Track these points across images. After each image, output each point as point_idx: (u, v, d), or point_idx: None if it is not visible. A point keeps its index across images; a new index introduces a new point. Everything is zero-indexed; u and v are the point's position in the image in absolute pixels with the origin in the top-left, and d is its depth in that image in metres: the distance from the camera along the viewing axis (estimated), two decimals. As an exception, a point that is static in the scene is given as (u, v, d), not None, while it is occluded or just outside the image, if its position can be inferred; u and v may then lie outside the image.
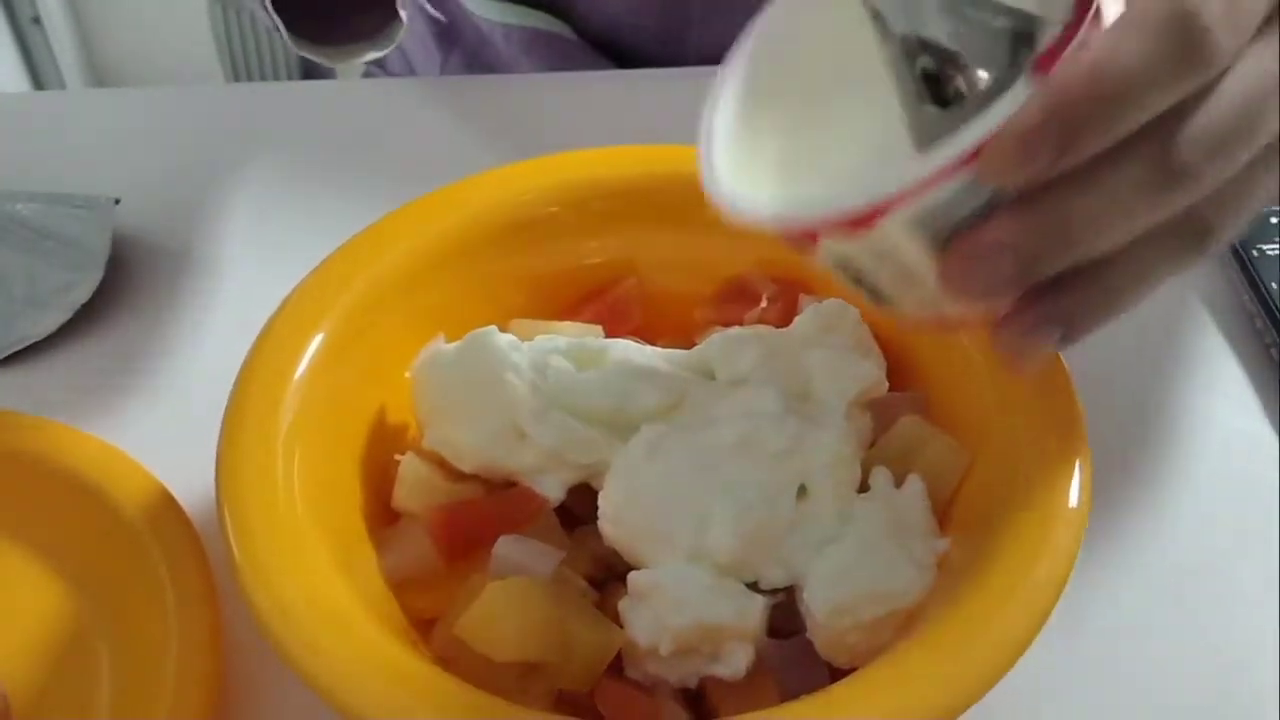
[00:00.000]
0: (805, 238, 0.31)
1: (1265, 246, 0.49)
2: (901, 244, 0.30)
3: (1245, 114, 0.29)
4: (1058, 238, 0.29)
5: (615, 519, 0.35)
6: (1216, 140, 0.28)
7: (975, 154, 0.28)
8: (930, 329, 0.35)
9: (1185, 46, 0.27)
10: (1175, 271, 0.31)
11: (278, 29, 0.48)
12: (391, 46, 0.51)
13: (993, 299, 0.30)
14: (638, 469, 0.35)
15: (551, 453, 0.36)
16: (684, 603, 0.33)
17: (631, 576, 0.34)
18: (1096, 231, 0.29)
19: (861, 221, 0.29)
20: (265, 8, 0.48)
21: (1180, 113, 0.28)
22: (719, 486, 0.35)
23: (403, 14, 0.50)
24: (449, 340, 0.39)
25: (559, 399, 0.37)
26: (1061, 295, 0.30)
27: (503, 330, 0.40)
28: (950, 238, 0.30)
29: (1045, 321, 0.30)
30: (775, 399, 0.37)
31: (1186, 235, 0.30)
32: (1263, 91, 0.29)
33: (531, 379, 0.37)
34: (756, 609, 0.34)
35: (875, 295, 0.33)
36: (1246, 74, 0.29)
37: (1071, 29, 0.28)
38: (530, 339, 0.39)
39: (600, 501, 0.36)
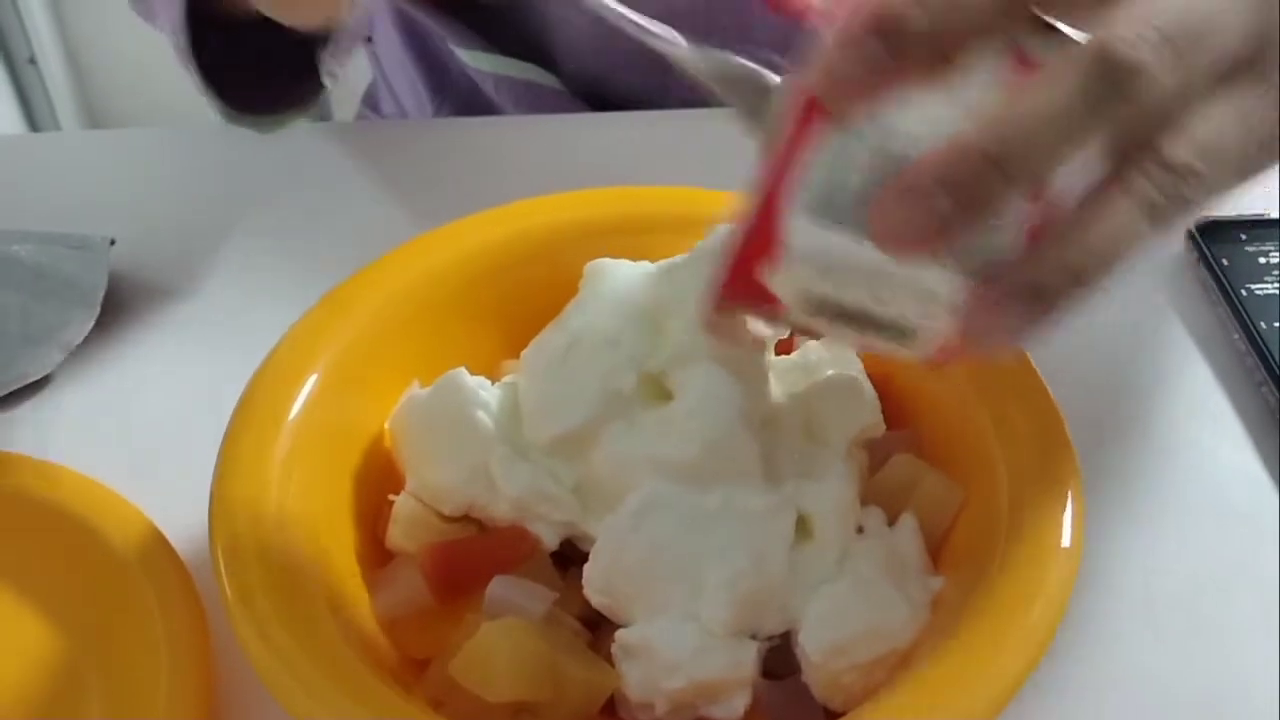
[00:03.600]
0: (755, 293, 0.30)
1: (1255, 286, 0.49)
2: (828, 243, 0.28)
3: (1189, 13, 0.27)
4: (986, 157, 0.26)
5: (604, 589, 0.35)
6: (1160, 39, 0.26)
7: (817, 103, 0.27)
8: (937, 352, 0.31)
9: (1109, 84, 0.26)
10: (1150, 227, 0.28)
11: (214, 104, 0.50)
12: (314, 111, 0.52)
13: (937, 242, 0.27)
14: (625, 540, 0.34)
15: (520, 504, 0.36)
16: (677, 665, 0.33)
17: (620, 634, 0.34)
18: (1030, 142, 0.26)
19: (763, 234, 0.28)
20: (199, 81, 0.49)
21: (1104, 25, 0.26)
22: (709, 554, 0.34)
23: (327, 81, 0.51)
24: (427, 384, 0.39)
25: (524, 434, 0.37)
26: (1024, 264, 0.28)
27: (499, 370, 0.41)
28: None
29: (1012, 292, 0.28)
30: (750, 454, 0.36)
31: (1155, 180, 0.27)
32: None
33: (499, 418, 0.37)
34: (751, 656, 0.33)
35: (876, 327, 0.31)
36: None
37: None
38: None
39: (586, 571, 0.35)
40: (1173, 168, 0.27)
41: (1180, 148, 0.27)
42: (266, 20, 0.50)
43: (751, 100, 0.32)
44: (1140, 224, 0.28)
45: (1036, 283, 0.28)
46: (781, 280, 0.29)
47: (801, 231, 0.28)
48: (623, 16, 0.35)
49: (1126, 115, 0.27)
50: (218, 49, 0.50)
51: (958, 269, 0.28)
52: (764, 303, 0.30)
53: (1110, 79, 0.26)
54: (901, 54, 0.26)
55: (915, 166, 0.27)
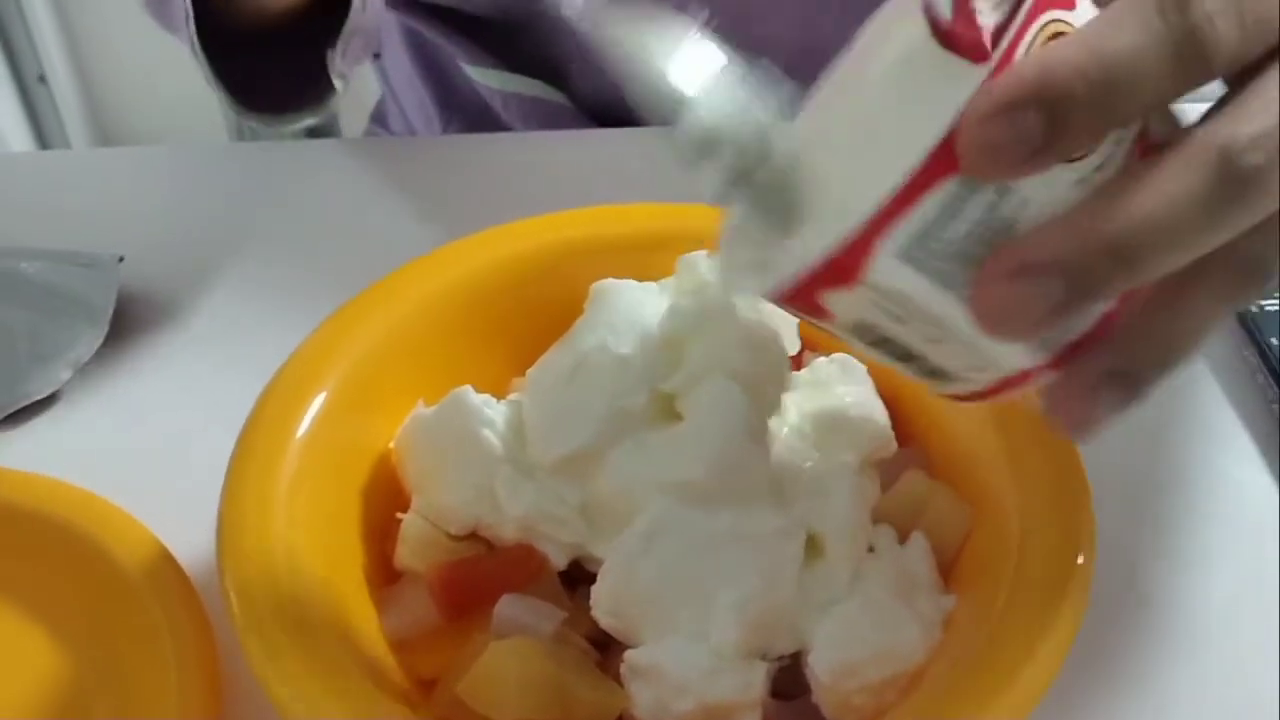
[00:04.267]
0: (809, 307, 0.28)
1: (1265, 303, 0.49)
2: (908, 287, 0.27)
3: None
4: (1109, 250, 0.25)
5: (612, 611, 0.34)
6: (1275, 142, 0.26)
7: (951, 153, 0.25)
8: (987, 396, 0.31)
9: (1183, 29, 0.25)
10: (1231, 310, 0.28)
11: (224, 99, 0.50)
12: (327, 112, 0.52)
13: (1039, 330, 0.27)
14: (633, 562, 0.34)
15: (525, 525, 0.36)
16: (686, 687, 0.32)
17: (628, 655, 0.34)
18: (1154, 244, 0.25)
19: (846, 266, 0.26)
20: (209, 78, 0.49)
21: (1232, 113, 0.26)
22: (718, 576, 0.34)
23: (338, 83, 0.51)
24: (434, 403, 0.39)
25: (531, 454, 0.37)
26: (1118, 345, 0.27)
27: (507, 388, 0.41)
28: (966, 277, 0.27)
29: (1106, 376, 0.27)
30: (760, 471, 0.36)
31: (1243, 265, 0.27)
32: None
33: (505, 436, 0.37)
34: (760, 678, 0.33)
35: (916, 363, 0.30)
36: None
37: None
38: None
39: (594, 593, 0.35)
40: (1248, 263, 0.27)
41: (1260, 244, 0.27)
42: (277, 23, 0.50)
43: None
44: (1220, 311, 0.28)
45: (1126, 370, 0.28)
46: (844, 302, 0.28)
47: (890, 271, 0.27)
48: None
49: (1238, 222, 0.26)
50: (230, 48, 0.51)
51: (1037, 345, 0.28)
52: (810, 314, 0.29)
53: (1231, 184, 0.26)
54: (1058, 138, 0.25)
55: (1031, 245, 0.26)
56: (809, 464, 0.37)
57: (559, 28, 0.64)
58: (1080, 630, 0.32)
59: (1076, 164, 0.27)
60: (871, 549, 0.36)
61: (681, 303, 0.38)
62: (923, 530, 0.36)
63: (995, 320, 0.26)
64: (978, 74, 0.25)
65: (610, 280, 0.39)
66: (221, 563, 0.34)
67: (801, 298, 0.28)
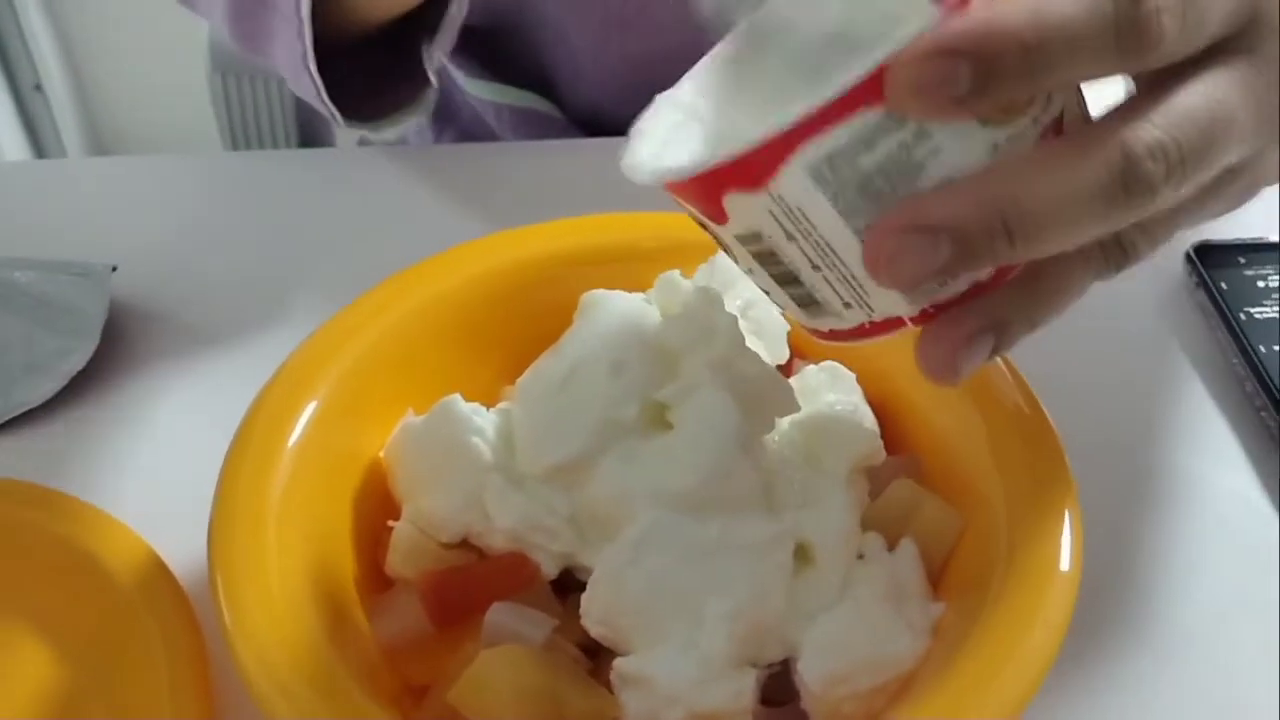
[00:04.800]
0: (709, 204, 0.29)
1: (1254, 310, 0.49)
2: (809, 204, 0.28)
3: (1208, 136, 0.28)
4: (1001, 224, 0.27)
5: (602, 620, 0.35)
6: (1177, 159, 0.27)
7: (878, 86, 0.26)
8: (849, 337, 0.33)
9: (1130, 18, 0.26)
10: (1089, 284, 0.31)
11: (333, 116, 0.51)
12: (428, 109, 0.54)
13: (919, 284, 0.28)
14: (623, 572, 0.34)
15: (514, 535, 0.36)
16: (676, 696, 0.32)
17: (618, 664, 0.34)
18: (1044, 227, 0.27)
19: (757, 166, 0.27)
20: (322, 99, 0.50)
21: (1140, 118, 0.27)
22: (708, 586, 0.34)
23: (433, 77, 0.52)
24: (424, 411, 0.39)
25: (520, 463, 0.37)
26: (993, 304, 0.29)
27: (498, 397, 0.41)
28: (866, 209, 0.28)
29: (980, 329, 0.29)
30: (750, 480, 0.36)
31: (1112, 253, 0.30)
32: (1225, 118, 0.28)
33: (495, 444, 0.37)
34: (750, 686, 0.33)
35: (791, 288, 0.31)
36: (1210, 94, 0.28)
37: None
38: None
39: (584, 602, 0.35)
40: (1128, 251, 0.30)
41: (1141, 239, 0.30)
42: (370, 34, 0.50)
43: None
44: (1089, 281, 0.31)
45: (999, 322, 0.30)
46: (744, 206, 0.29)
47: (796, 184, 0.28)
48: None
49: (1124, 218, 0.28)
50: (328, 63, 0.51)
51: (912, 296, 0.30)
52: (709, 213, 0.30)
53: (1128, 187, 0.27)
54: (983, 91, 0.26)
55: (930, 204, 0.27)
56: (798, 472, 0.37)
57: (549, 38, 0.64)
58: (1067, 638, 0.32)
59: (994, 128, 0.28)
60: (861, 556, 0.36)
61: (677, 315, 0.38)
62: (912, 537, 0.36)
63: (881, 266, 0.28)
64: (932, 12, 0.26)
65: (600, 291, 0.40)
66: (213, 570, 0.34)
67: (708, 190, 0.29)
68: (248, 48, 0.56)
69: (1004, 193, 0.27)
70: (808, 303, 0.32)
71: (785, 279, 0.31)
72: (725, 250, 0.33)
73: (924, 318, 0.31)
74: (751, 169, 0.28)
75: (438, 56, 0.53)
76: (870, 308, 0.31)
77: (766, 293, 0.33)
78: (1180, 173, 0.28)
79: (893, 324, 0.31)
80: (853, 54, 0.27)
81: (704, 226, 0.32)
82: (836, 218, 0.28)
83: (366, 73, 0.54)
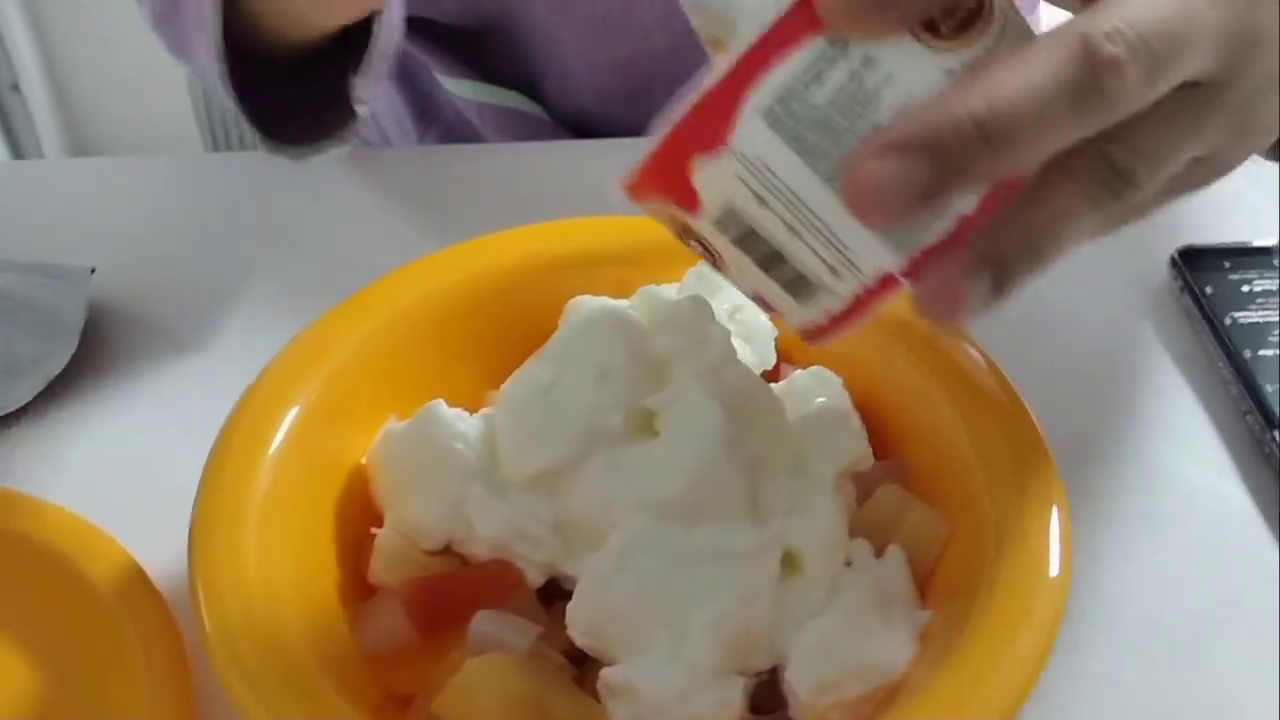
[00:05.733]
0: (680, 186, 0.29)
1: (1239, 314, 0.49)
2: (773, 154, 0.27)
3: (1168, 25, 0.28)
4: (975, 130, 0.26)
5: (588, 630, 0.34)
6: (1138, 42, 0.27)
7: (812, 11, 0.26)
8: (847, 321, 0.31)
9: (1090, 74, 0.26)
10: (1101, 216, 0.29)
11: (252, 131, 0.51)
12: (350, 143, 0.52)
13: (907, 212, 0.27)
14: (608, 581, 0.34)
15: (497, 544, 0.36)
16: (663, 706, 0.32)
17: (604, 674, 0.33)
18: (1019, 125, 0.26)
19: (714, 119, 0.27)
20: (239, 110, 0.50)
21: (1098, 12, 0.27)
22: (694, 595, 0.34)
23: (360, 110, 0.52)
24: (406, 417, 0.39)
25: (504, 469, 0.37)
26: (989, 235, 0.28)
27: (482, 401, 0.40)
28: (828, 150, 0.27)
29: (975, 262, 0.28)
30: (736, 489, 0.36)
31: (1106, 176, 0.29)
32: (1186, 14, 0.28)
33: (478, 450, 0.37)
34: (738, 695, 0.33)
35: (780, 270, 0.30)
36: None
37: None
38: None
39: (569, 612, 0.35)
40: (1114, 165, 0.29)
41: (1121, 149, 0.29)
42: (299, 54, 0.50)
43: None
44: (1088, 212, 0.29)
45: (999, 254, 0.28)
46: (711, 178, 0.29)
47: (754, 134, 0.27)
48: None
49: (1097, 109, 0.27)
50: (254, 81, 0.51)
51: (897, 241, 0.29)
52: (681, 200, 0.29)
53: (1090, 69, 0.27)
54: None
55: (899, 125, 0.27)
56: (785, 478, 0.37)
57: (535, 39, 0.64)
58: (1056, 644, 0.32)
59: (945, 52, 0.27)
60: (848, 563, 0.36)
61: (665, 324, 0.38)
62: (899, 543, 0.36)
63: (863, 200, 0.27)
64: None
65: (585, 297, 0.39)
66: (193, 577, 0.33)
67: (674, 164, 0.28)
68: (176, 55, 0.55)
69: (973, 98, 0.26)
70: (797, 286, 0.31)
71: (769, 261, 0.30)
72: (709, 258, 0.32)
73: (914, 268, 0.29)
74: (708, 123, 0.27)
75: (364, 89, 0.52)
76: (858, 268, 0.30)
77: (757, 297, 0.32)
78: (1144, 59, 0.27)
79: (886, 285, 0.30)
80: None
81: (682, 234, 0.31)
82: (801, 164, 0.28)
83: (294, 97, 0.54)
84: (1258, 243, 0.52)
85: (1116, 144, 0.29)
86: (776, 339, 0.42)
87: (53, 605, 0.38)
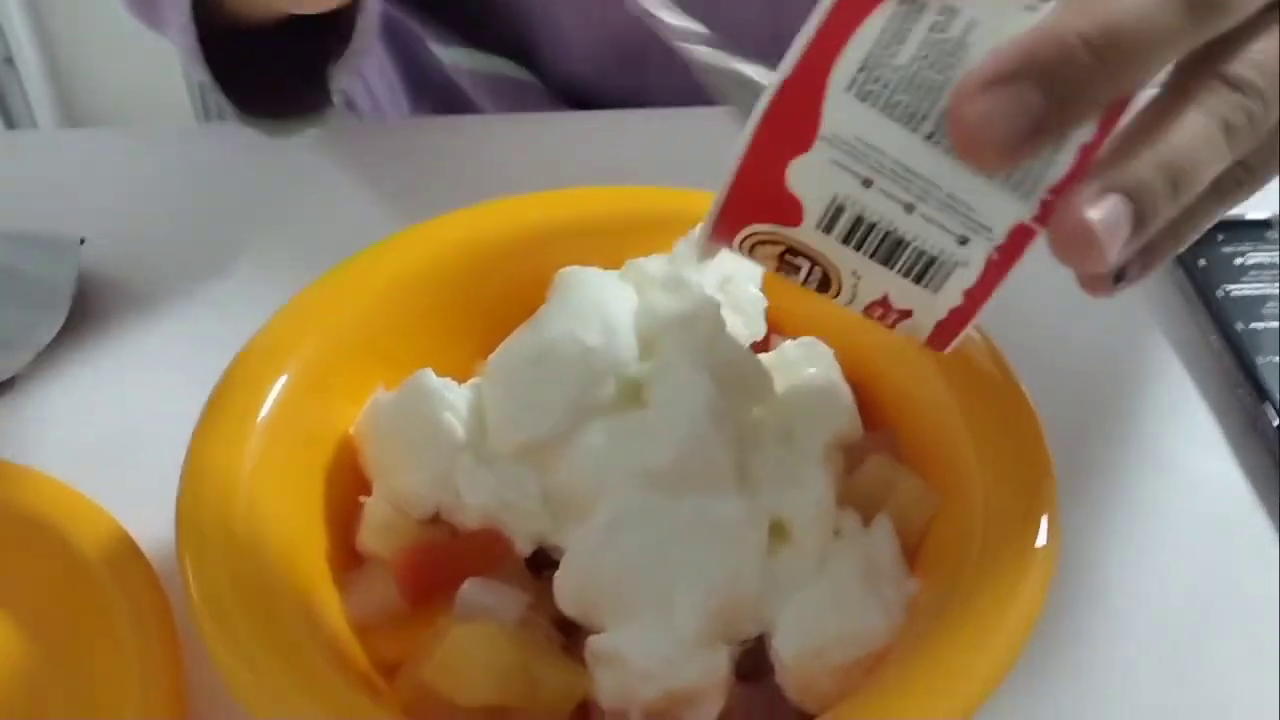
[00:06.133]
0: (778, 197, 0.27)
1: (1231, 288, 0.49)
2: (869, 127, 0.26)
3: None
4: (1086, 48, 0.24)
5: (575, 600, 0.34)
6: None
7: None
8: (940, 327, 0.29)
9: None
10: (1224, 148, 0.27)
11: (225, 102, 0.50)
12: (325, 123, 0.53)
13: (1022, 150, 0.25)
14: (596, 553, 0.34)
15: (485, 514, 0.36)
16: (649, 674, 0.32)
17: (591, 642, 0.33)
18: (1132, 38, 0.24)
19: (799, 111, 0.25)
20: (215, 86, 0.49)
21: None
22: (681, 567, 0.33)
23: (335, 97, 0.52)
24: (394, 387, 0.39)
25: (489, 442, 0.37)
26: (1117, 165, 0.26)
27: (471, 372, 0.40)
28: (925, 108, 0.26)
29: (1108, 189, 0.26)
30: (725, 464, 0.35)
31: (1232, 84, 0.27)
32: None
33: (467, 420, 0.37)
34: (724, 662, 0.33)
35: (904, 255, 0.28)
36: None
37: None
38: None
39: (556, 582, 0.35)
40: (1235, 81, 0.27)
41: (1242, 65, 0.27)
42: (276, 28, 0.50)
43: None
44: (1218, 138, 0.27)
45: (1135, 181, 0.26)
46: (808, 177, 0.27)
47: (845, 113, 0.26)
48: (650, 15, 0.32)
49: (1210, 11, 0.26)
50: (230, 53, 0.50)
51: (1021, 187, 0.27)
52: (780, 215, 0.28)
53: None
54: None
55: (999, 58, 0.25)
56: (775, 449, 0.37)
57: (531, 7, 0.63)
58: (1042, 616, 0.32)
59: None
60: (837, 533, 0.36)
61: (656, 296, 0.38)
62: (888, 514, 0.36)
63: (973, 138, 0.25)
64: None
65: (575, 268, 0.39)
66: (181, 546, 0.33)
67: (767, 174, 0.27)
68: (149, 25, 0.55)
69: (1077, 16, 0.25)
70: (926, 270, 0.28)
71: (889, 251, 0.28)
72: (818, 281, 0.30)
73: (1046, 212, 0.27)
74: (793, 118, 0.26)
75: (341, 78, 0.52)
76: (986, 228, 0.27)
77: (884, 308, 0.30)
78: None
79: (1021, 240, 0.28)
80: None
81: (783, 263, 0.29)
82: (902, 130, 0.26)
83: (269, 76, 0.53)
84: (1251, 215, 0.52)
85: (1232, 61, 0.27)
86: (766, 310, 0.41)
87: (41, 574, 0.38)
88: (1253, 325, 0.48)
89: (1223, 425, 0.46)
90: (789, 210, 0.27)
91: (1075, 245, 0.26)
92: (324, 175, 0.57)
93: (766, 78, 0.27)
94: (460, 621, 0.34)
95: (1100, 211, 0.26)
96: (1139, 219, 0.26)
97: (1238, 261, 0.50)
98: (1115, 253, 0.26)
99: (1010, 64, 0.25)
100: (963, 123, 0.25)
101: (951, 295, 0.29)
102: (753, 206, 0.28)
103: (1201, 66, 0.27)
